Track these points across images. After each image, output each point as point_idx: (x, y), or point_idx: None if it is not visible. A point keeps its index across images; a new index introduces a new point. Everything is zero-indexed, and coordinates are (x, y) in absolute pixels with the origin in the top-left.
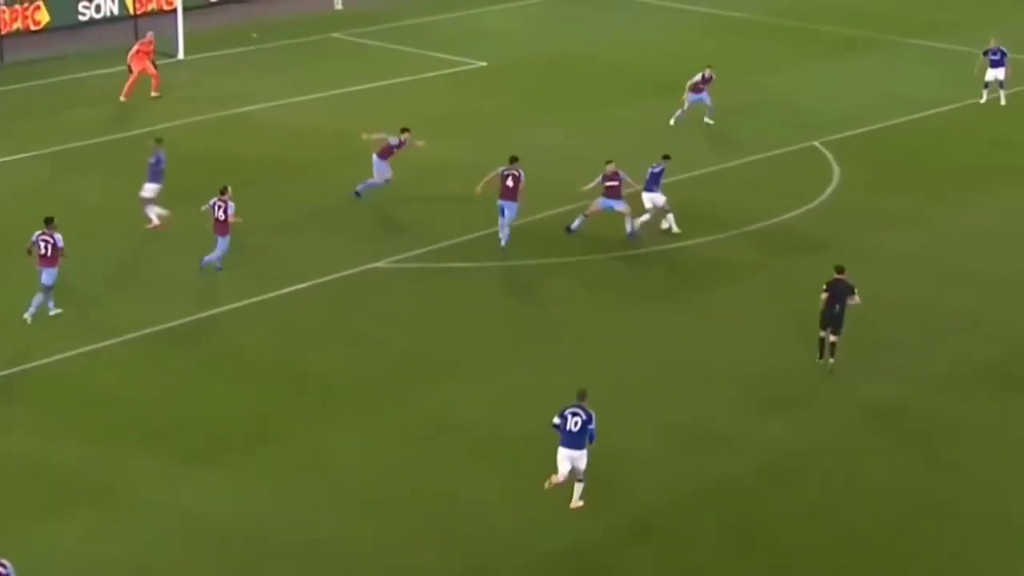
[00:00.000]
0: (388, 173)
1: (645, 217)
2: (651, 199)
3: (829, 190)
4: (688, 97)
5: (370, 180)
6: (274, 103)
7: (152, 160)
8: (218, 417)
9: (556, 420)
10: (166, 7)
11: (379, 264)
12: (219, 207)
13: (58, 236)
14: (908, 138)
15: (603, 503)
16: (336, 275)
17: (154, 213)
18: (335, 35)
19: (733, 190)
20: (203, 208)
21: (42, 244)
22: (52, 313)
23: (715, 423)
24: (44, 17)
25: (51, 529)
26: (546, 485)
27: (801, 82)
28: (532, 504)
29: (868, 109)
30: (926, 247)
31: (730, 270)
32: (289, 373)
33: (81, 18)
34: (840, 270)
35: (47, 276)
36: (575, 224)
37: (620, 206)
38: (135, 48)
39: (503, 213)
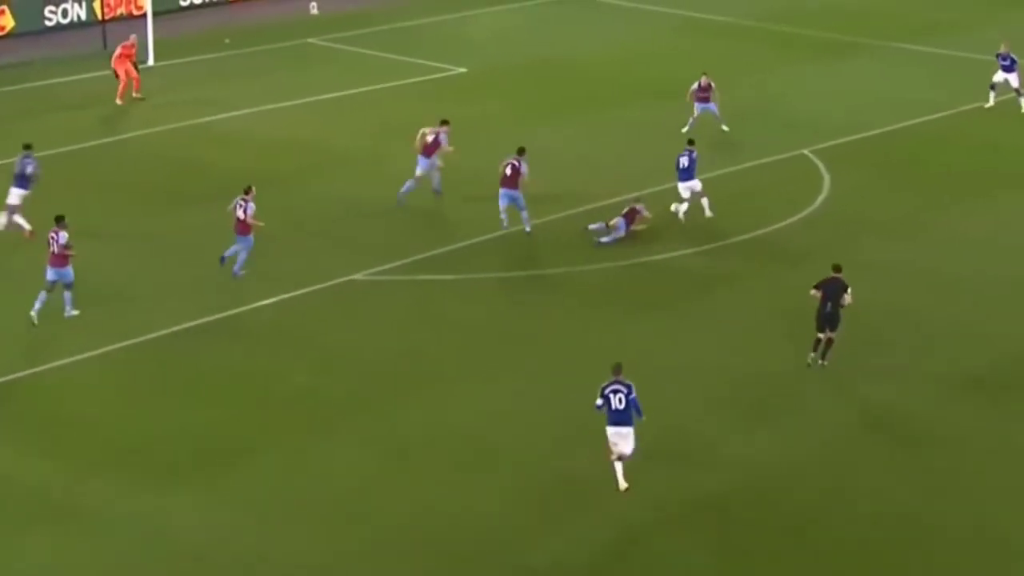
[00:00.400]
0: (424, 171)
1: (684, 206)
2: (688, 187)
3: (820, 198)
4: (695, 107)
5: (434, 182)
6: (248, 110)
7: (19, 164)
8: (192, 433)
9: (598, 402)
10: (135, 12)
11: (357, 276)
12: (240, 206)
13: (63, 235)
14: (901, 144)
15: (590, 516)
16: (313, 288)
17: (16, 220)
18: (311, 40)
19: (723, 199)
20: (228, 208)
21: (51, 241)
22: (66, 315)
23: (703, 435)
24: (8, 22)
25: (14, 549)
26: (611, 458)
27: (791, 87)
28: (515, 520)
29: (859, 115)
30: (919, 255)
31: (721, 280)
32: (261, 390)
33: (47, 23)
34: (837, 268)
35: (52, 274)
36: (604, 238)
37: (623, 230)
38: (117, 51)
39: (503, 201)
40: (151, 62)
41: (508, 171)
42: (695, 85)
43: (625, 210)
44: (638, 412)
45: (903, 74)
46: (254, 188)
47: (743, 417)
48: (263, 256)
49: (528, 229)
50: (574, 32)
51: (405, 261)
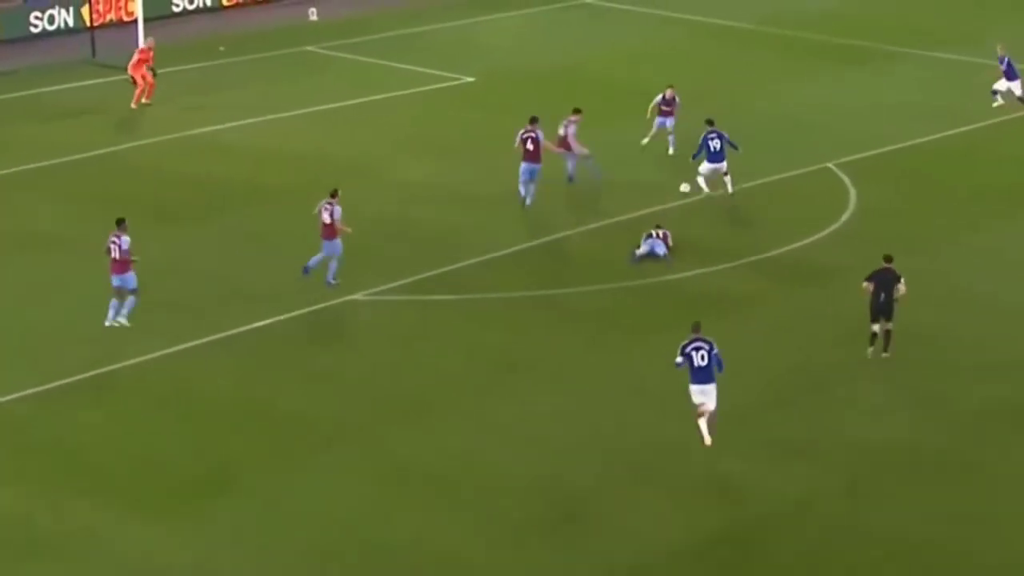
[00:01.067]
0: (574, 165)
1: (701, 181)
2: (715, 169)
3: (847, 214)
4: (655, 121)
5: (593, 172)
6: (245, 121)
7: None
8: (182, 458)
9: (679, 359)
10: (126, 18)
11: (357, 296)
12: (326, 209)
13: (124, 239)
14: (927, 158)
15: (591, 554)
16: (310, 308)
17: None
18: (309, 48)
19: (747, 214)
20: (314, 211)
21: (111, 247)
22: (118, 322)
23: (711, 468)
24: None
25: None
26: (696, 420)
27: (809, 96)
28: (517, 550)
29: (881, 126)
30: (948, 273)
31: (744, 301)
32: (253, 414)
33: (33, 30)
34: (888, 259)
35: (117, 281)
36: (639, 253)
37: (661, 250)
38: (135, 57)
39: (524, 176)
40: None
41: (530, 145)
42: (659, 97)
43: (659, 234)
44: (719, 366)
45: (920, 82)
46: (340, 191)
47: (760, 444)
48: (258, 275)
49: (529, 203)
50: (583, 39)
51: (409, 280)
